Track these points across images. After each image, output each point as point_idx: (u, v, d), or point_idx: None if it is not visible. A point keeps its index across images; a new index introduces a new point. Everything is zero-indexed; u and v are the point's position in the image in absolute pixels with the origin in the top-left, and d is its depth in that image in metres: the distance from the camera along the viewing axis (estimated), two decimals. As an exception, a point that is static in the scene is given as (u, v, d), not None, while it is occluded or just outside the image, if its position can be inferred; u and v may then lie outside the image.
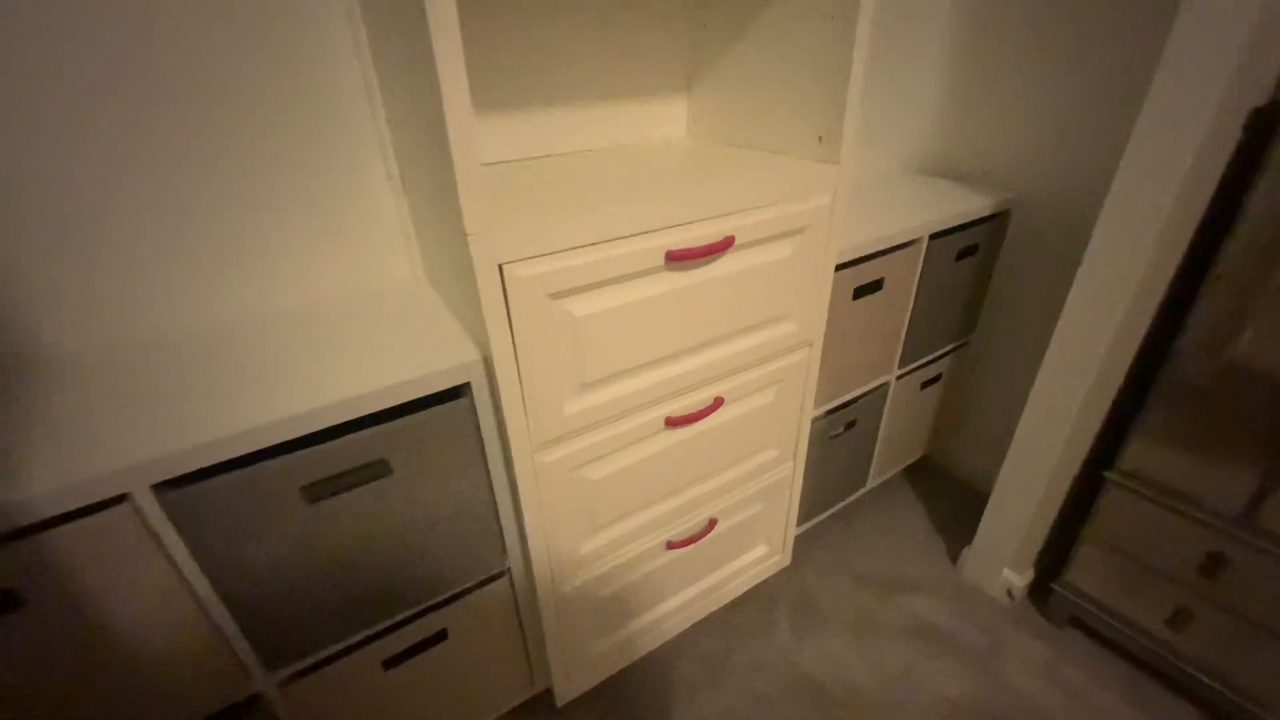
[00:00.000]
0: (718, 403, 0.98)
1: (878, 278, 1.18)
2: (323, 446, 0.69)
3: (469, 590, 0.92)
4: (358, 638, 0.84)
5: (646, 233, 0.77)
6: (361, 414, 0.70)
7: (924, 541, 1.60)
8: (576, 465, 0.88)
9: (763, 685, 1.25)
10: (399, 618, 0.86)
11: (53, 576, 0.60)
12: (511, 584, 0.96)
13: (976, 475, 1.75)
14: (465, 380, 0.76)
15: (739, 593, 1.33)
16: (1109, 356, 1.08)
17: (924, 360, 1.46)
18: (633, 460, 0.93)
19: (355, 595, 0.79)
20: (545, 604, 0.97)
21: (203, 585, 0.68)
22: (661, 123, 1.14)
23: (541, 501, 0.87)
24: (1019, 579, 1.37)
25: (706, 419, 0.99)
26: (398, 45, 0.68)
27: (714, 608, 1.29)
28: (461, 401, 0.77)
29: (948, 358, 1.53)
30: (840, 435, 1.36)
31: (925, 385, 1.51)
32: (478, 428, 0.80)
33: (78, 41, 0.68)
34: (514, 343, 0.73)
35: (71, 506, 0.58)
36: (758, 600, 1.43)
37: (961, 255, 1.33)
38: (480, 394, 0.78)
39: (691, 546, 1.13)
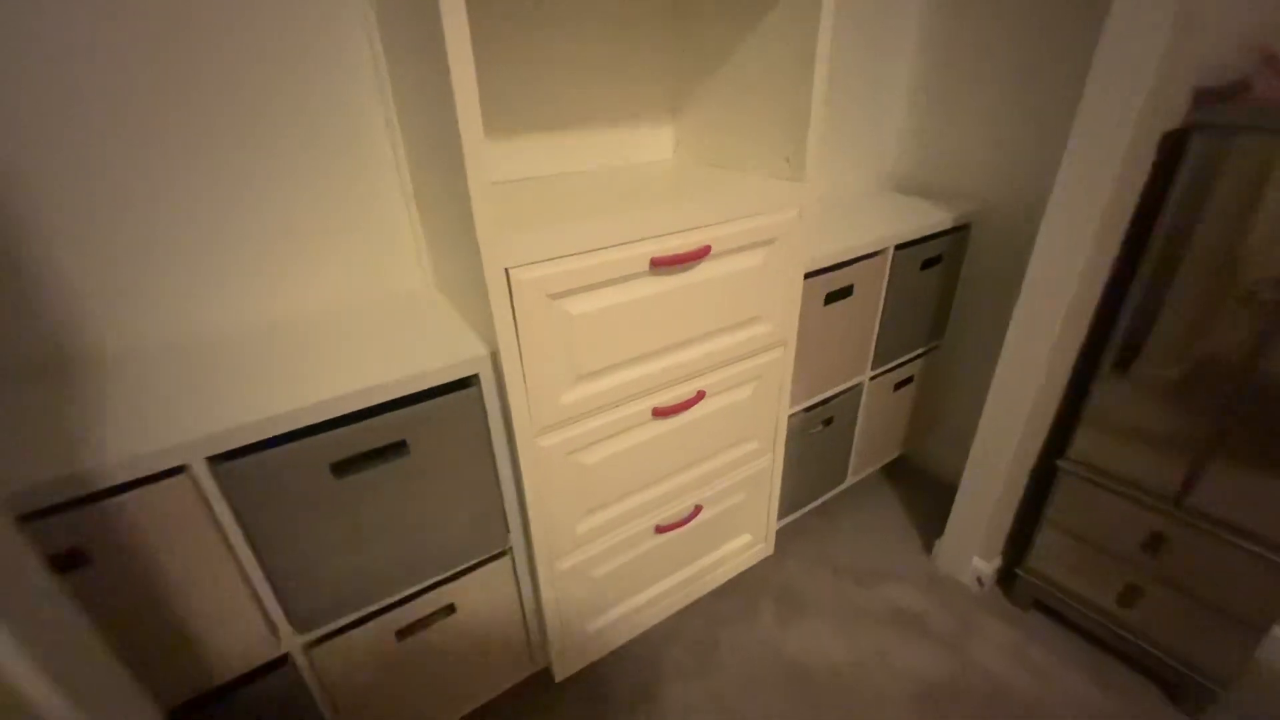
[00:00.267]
0: (700, 395, 1.08)
1: (848, 284, 1.29)
2: (350, 428, 0.79)
3: (475, 567, 1.02)
4: (375, 607, 0.93)
5: (633, 241, 0.88)
6: (385, 399, 0.80)
7: (901, 535, 1.69)
8: (573, 450, 0.97)
9: (749, 668, 1.33)
10: (412, 589, 0.95)
11: (116, 539, 0.69)
12: (513, 562, 1.06)
13: (950, 472, 1.84)
14: (474, 372, 0.87)
15: (725, 579, 1.42)
16: (1055, 353, 1.19)
17: (896, 363, 1.57)
18: (623, 447, 1.03)
19: (374, 566, 0.89)
20: (544, 580, 1.06)
21: (244, 550, 0.77)
22: (650, 146, 1.26)
23: (541, 482, 0.97)
24: (987, 566, 1.46)
25: (690, 410, 1.09)
26: (415, 81, 0.80)
27: (702, 593, 1.38)
28: (470, 391, 0.87)
29: (919, 360, 1.63)
30: (819, 431, 1.46)
31: (899, 386, 1.62)
32: (484, 414, 0.90)
33: (134, 73, 0.80)
34: (518, 338, 0.84)
35: (140, 474, 0.67)
36: (743, 589, 1.52)
37: (926, 265, 1.44)
38: (487, 384, 0.88)
39: (679, 531, 1.22)
